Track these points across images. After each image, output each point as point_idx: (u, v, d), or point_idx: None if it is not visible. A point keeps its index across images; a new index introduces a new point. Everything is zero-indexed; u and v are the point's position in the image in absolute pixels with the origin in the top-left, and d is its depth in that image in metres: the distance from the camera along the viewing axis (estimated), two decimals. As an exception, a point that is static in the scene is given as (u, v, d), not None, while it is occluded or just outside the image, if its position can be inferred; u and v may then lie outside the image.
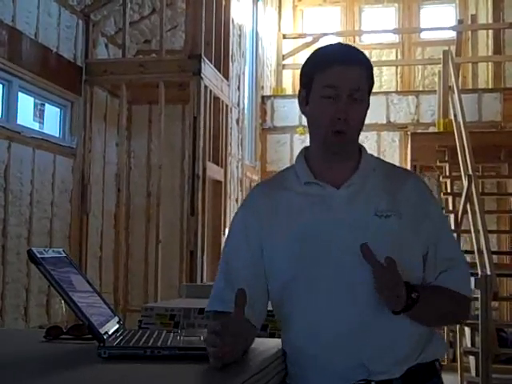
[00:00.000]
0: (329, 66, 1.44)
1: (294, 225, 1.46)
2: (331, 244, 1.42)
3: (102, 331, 1.37)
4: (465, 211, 5.78)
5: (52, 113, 4.99)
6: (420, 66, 9.63)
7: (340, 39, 8.64)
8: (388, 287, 1.33)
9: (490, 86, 8.22)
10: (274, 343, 1.51)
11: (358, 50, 1.50)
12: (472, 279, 4.54)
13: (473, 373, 4.98)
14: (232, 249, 1.53)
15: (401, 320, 1.39)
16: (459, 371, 5.21)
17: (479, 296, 4.62)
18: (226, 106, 5.92)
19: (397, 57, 9.81)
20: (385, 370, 1.40)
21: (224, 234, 5.69)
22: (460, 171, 6.10)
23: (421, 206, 1.49)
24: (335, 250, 1.41)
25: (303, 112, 1.53)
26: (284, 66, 8.95)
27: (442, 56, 7.39)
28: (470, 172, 5.82)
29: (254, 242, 1.49)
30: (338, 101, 1.43)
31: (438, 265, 1.48)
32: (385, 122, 7.79)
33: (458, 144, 6.27)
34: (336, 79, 1.43)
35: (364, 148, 1.56)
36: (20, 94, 4.46)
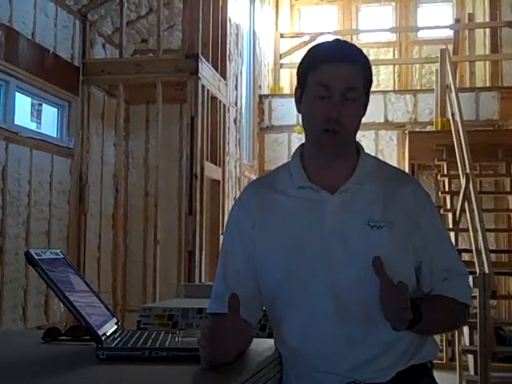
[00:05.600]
0: (322, 64, 1.41)
1: (286, 230, 1.44)
2: (322, 252, 1.40)
3: (100, 332, 1.37)
4: (463, 210, 5.79)
5: (49, 113, 4.98)
6: (417, 65, 9.62)
7: (333, 39, 8.61)
8: (395, 309, 1.29)
9: (488, 85, 8.22)
10: (272, 344, 1.51)
11: (355, 47, 1.46)
12: (470, 278, 4.53)
13: (471, 371, 4.98)
14: (228, 249, 1.53)
15: (389, 330, 1.35)
16: (458, 370, 5.21)
17: (477, 294, 4.62)
18: (224, 105, 5.92)
19: (394, 56, 9.80)
20: (372, 377, 1.39)
21: (222, 234, 5.68)
22: (458, 170, 6.10)
23: (415, 216, 1.45)
24: (326, 258, 1.40)
25: (298, 110, 1.50)
26: (281, 65, 8.94)
27: (439, 55, 7.39)
28: (468, 170, 5.81)
29: (247, 243, 1.48)
30: (330, 100, 1.40)
31: (434, 276, 1.46)
32: (382, 120, 7.79)
33: (455, 143, 6.27)
34: (328, 78, 1.40)
35: (362, 148, 1.53)
36: (17, 94, 4.45)
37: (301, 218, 1.44)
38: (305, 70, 1.45)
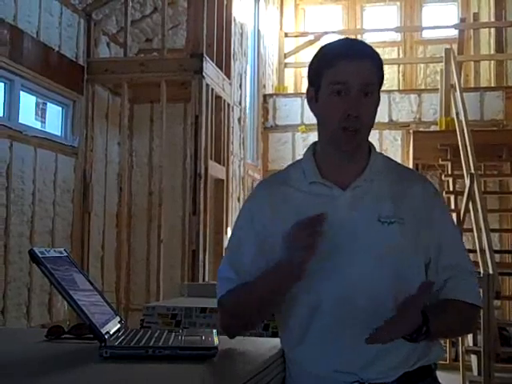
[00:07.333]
0: (337, 62, 1.40)
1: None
2: (332, 248, 1.39)
3: (103, 331, 1.37)
4: (467, 210, 5.78)
5: (54, 112, 4.99)
6: (422, 65, 9.62)
7: (342, 37, 8.62)
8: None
9: (492, 85, 8.21)
10: (276, 343, 1.51)
11: (366, 44, 1.47)
12: (474, 278, 4.53)
13: (475, 372, 4.99)
14: (239, 241, 1.51)
15: None
16: (461, 370, 5.20)
17: (481, 295, 4.61)
18: (228, 104, 5.92)
19: (399, 55, 9.80)
20: (377, 377, 1.39)
21: (226, 233, 5.69)
22: (462, 170, 6.09)
23: (424, 212, 1.45)
24: (335, 254, 1.39)
25: (312, 110, 1.50)
26: (286, 64, 8.93)
27: (444, 54, 7.38)
28: (472, 170, 5.81)
29: (260, 235, 1.47)
30: (348, 97, 1.39)
31: (439, 273, 1.45)
32: (387, 120, 7.78)
33: (460, 142, 6.27)
34: (345, 75, 1.39)
35: (374, 147, 1.53)
36: (22, 92, 4.45)
37: (312, 214, 1.44)
38: (319, 69, 1.44)
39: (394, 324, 1.28)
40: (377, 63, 1.44)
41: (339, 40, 1.51)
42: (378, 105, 1.46)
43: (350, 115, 1.39)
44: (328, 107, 1.43)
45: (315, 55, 1.48)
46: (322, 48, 1.48)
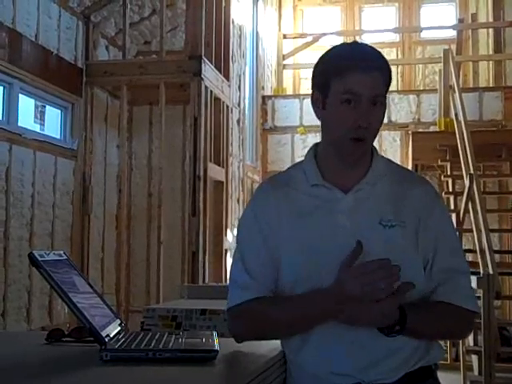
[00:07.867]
0: (347, 73, 1.38)
1: (300, 228, 1.43)
2: (333, 251, 1.39)
3: (103, 334, 1.37)
4: (466, 210, 5.78)
5: (53, 114, 4.99)
6: (421, 65, 9.62)
7: (340, 39, 8.64)
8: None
9: (491, 85, 8.21)
10: (276, 344, 1.51)
11: (377, 52, 1.44)
12: (474, 278, 4.53)
13: (475, 372, 4.98)
14: (248, 244, 1.49)
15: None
16: (462, 370, 5.20)
17: (481, 295, 4.62)
18: (227, 106, 5.92)
19: (397, 56, 9.80)
20: (378, 378, 1.39)
21: (226, 235, 5.69)
22: (461, 170, 6.10)
23: (423, 215, 1.45)
24: (336, 257, 1.37)
25: (317, 114, 1.48)
26: (284, 65, 8.93)
27: (442, 55, 7.39)
28: (472, 171, 5.81)
29: (264, 231, 1.46)
30: (358, 107, 1.38)
31: (433, 277, 1.44)
32: (386, 121, 7.71)
33: (459, 143, 6.27)
34: (356, 86, 1.38)
35: (376, 150, 1.53)
36: (21, 95, 4.45)
37: (312, 217, 1.44)
38: (327, 75, 1.42)
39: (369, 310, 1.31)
40: (387, 72, 1.43)
41: (348, 45, 1.47)
42: (385, 111, 1.45)
43: (361, 126, 1.39)
44: (337, 116, 1.42)
45: (322, 58, 1.46)
46: (330, 52, 1.45)
